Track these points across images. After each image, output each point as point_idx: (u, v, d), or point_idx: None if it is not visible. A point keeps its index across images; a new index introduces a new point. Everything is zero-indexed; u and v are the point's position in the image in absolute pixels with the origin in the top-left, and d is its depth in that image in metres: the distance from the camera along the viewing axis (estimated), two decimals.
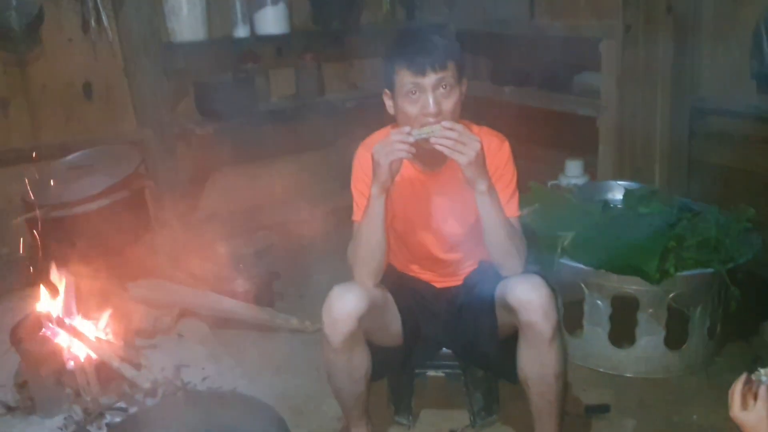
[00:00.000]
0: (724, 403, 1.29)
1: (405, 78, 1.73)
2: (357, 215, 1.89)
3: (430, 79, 1.70)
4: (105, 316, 2.23)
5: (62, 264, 2.34)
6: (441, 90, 1.72)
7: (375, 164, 1.69)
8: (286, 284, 3.07)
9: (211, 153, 3.37)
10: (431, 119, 1.71)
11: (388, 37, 3.34)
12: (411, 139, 1.66)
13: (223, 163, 3.48)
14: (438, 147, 1.65)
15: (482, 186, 1.70)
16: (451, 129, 1.65)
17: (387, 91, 1.81)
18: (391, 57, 1.77)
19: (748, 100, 2.74)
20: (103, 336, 2.19)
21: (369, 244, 1.78)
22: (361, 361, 1.81)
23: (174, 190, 3.21)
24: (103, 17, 3.07)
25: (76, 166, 2.79)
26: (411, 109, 1.74)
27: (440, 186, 1.89)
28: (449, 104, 1.73)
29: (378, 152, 1.68)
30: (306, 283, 3.05)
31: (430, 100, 1.70)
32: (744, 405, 1.23)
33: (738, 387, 1.25)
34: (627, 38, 2.88)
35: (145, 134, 3.21)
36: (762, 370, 1.24)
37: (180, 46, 3.18)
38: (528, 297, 1.70)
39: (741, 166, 2.82)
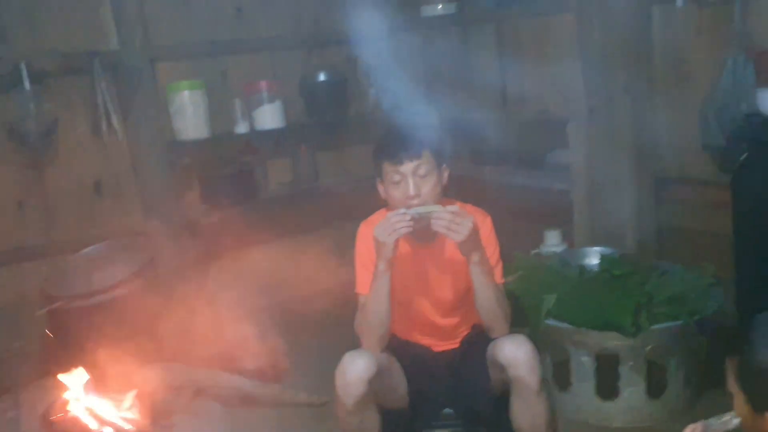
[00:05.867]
0: None
1: (388, 168, 2.01)
2: (360, 287, 2.12)
3: (407, 167, 1.98)
4: (130, 397, 2.39)
5: (85, 351, 2.52)
6: (420, 175, 1.98)
7: (379, 244, 1.93)
8: (292, 361, 3.24)
9: (215, 240, 3.59)
10: (414, 201, 1.97)
11: (375, 127, 3.69)
12: (407, 217, 1.90)
13: (227, 248, 3.69)
14: (435, 227, 1.90)
15: (476, 258, 1.95)
16: (445, 211, 1.89)
17: (378, 179, 2.09)
18: (376, 151, 2.06)
19: (704, 168, 3.02)
20: (129, 416, 2.35)
21: (377, 314, 2.00)
22: (372, 422, 2.00)
23: (180, 277, 3.41)
24: (114, 120, 3.32)
25: (94, 258, 2.99)
26: (396, 193, 2.01)
27: (434, 258, 2.12)
28: (428, 187, 1.99)
29: (380, 233, 1.92)
30: (310, 359, 3.22)
31: (411, 185, 1.97)
32: None
33: (699, 426, 1.46)
34: (591, 118, 3.18)
35: (152, 226, 3.43)
36: (714, 420, 1.46)
37: (185, 144, 3.45)
38: (514, 354, 1.92)
39: (703, 228, 3.06)
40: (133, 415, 2.38)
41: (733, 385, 1.36)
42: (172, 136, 3.47)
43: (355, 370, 1.92)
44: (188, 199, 3.58)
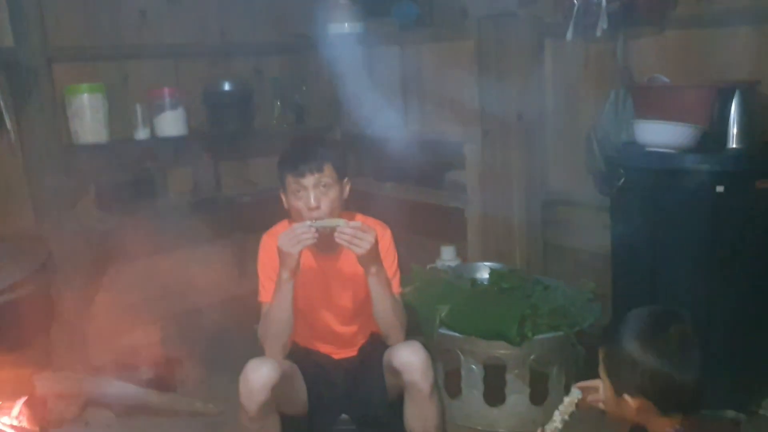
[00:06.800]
0: None
1: (290, 180, 2.09)
2: (264, 296, 2.17)
3: (309, 179, 2.07)
4: (18, 404, 2.32)
5: None
6: (321, 188, 2.07)
7: (283, 254, 1.99)
8: (188, 371, 3.22)
9: (111, 248, 3.51)
10: (315, 213, 2.05)
11: (280, 139, 3.74)
12: (312, 229, 1.98)
13: (123, 257, 3.62)
14: (338, 240, 1.98)
15: (374, 270, 2.05)
16: (348, 226, 1.98)
17: (281, 189, 2.16)
18: (280, 164, 2.14)
19: (588, 192, 3.24)
20: (17, 423, 2.28)
21: (280, 322, 2.06)
22: (273, 427, 2.06)
23: (74, 284, 3.33)
24: (6, 120, 3.20)
25: None
26: (298, 204, 2.09)
27: (335, 268, 2.21)
28: (328, 199, 2.09)
29: (285, 243, 1.99)
30: (206, 369, 3.21)
31: (312, 197, 2.06)
32: None
33: None
34: (486, 141, 3.36)
35: (44, 231, 3.32)
36: (548, 426, 1.68)
37: (82, 148, 3.36)
38: (409, 359, 2.02)
39: (586, 247, 3.30)
40: (22, 423, 2.30)
41: (602, 371, 1.54)
42: (69, 139, 3.38)
43: (259, 377, 1.96)
44: (83, 205, 3.48)
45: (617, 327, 1.53)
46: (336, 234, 1.99)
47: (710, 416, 1.54)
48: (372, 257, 2.02)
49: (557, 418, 1.67)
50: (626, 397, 1.48)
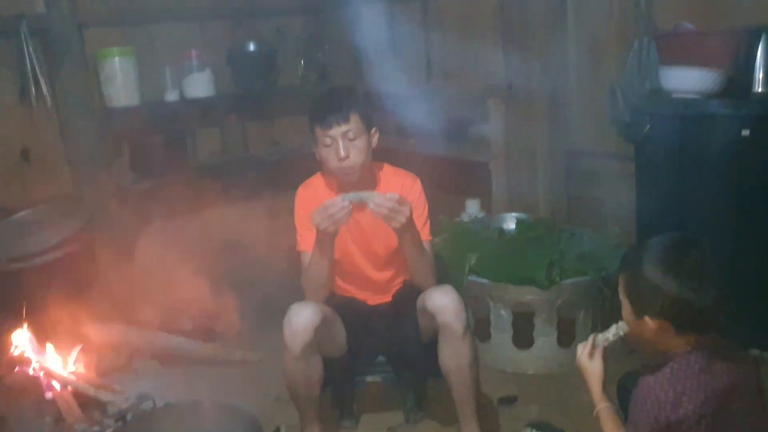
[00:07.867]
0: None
1: (319, 132, 2.16)
2: (302, 246, 2.27)
3: (336, 130, 2.12)
4: (75, 352, 2.46)
5: (24, 312, 2.56)
6: (349, 138, 2.13)
7: (321, 231, 2.05)
8: (227, 323, 3.33)
9: (145, 207, 3.62)
10: (345, 163, 2.11)
11: (304, 98, 3.80)
12: (346, 204, 2.02)
13: (157, 216, 3.73)
14: (375, 215, 2.04)
15: (407, 236, 2.12)
16: (385, 199, 2.02)
17: (314, 144, 2.23)
18: (309, 117, 2.20)
19: (610, 142, 3.29)
20: (74, 369, 2.42)
21: (320, 276, 2.17)
22: (316, 367, 2.16)
23: (113, 242, 3.45)
24: (42, 85, 3.29)
25: (30, 221, 3.00)
26: (327, 156, 2.16)
27: (369, 217, 2.28)
28: (357, 149, 2.15)
29: (320, 222, 2.03)
30: (244, 322, 3.32)
31: (341, 147, 2.12)
32: (591, 355, 1.67)
33: (590, 341, 1.70)
34: (509, 95, 3.41)
35: (82, 193, 3.44)
36: (601, 335, 1.69)
37: (115, 111, 3.46)
38: (442, 302, 2.11)
39: (608, 197, 3.35)
40: (79, 369, 2.44)
41: (622, 294, 1.61)
42: (102, 102, 3.47)
43: (302, 318, 2.06)
44: (118, 167, 3.59)
45: (639, 252, 1.58)
46: (374, 207, 2.01)
47: (724, 337, 1.60)
48: (407, 227, 2.07)
49: (611, 331, 1.70)
50: (647, 318, 1.55)
